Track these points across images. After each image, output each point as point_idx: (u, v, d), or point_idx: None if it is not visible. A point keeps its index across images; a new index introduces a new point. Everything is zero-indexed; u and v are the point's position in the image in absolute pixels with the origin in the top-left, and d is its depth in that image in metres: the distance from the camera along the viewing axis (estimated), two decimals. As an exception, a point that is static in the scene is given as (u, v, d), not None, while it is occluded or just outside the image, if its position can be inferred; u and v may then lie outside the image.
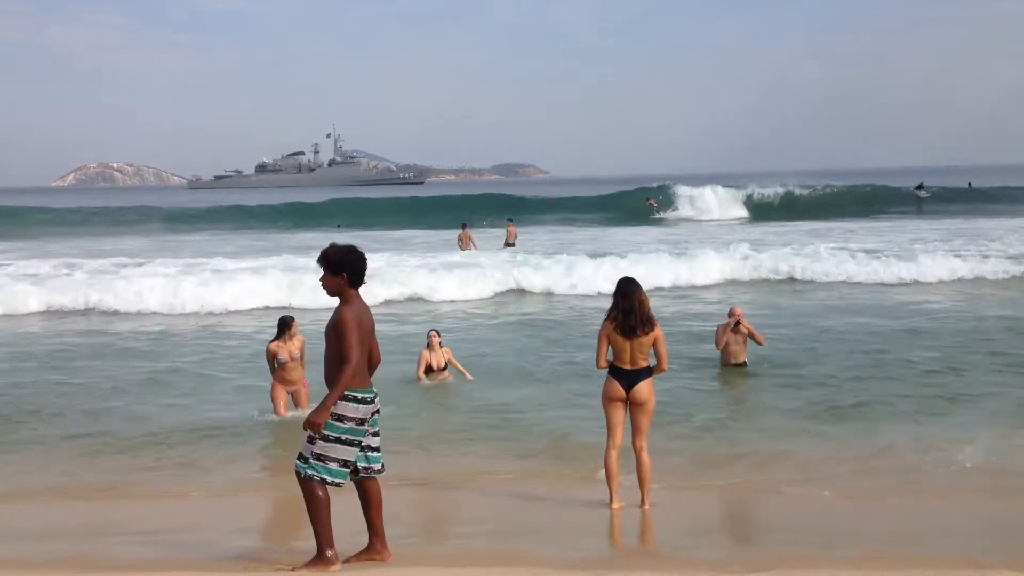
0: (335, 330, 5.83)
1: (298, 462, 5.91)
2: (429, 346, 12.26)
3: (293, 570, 5.96)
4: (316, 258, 6.09)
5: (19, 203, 63.05)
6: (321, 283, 6.03)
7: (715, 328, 13.41)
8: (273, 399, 10.79)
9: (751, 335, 12.92)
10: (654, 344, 7.43)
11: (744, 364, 12.84)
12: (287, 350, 10.69)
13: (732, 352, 12.84)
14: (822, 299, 20.29)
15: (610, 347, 7.49)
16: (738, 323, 12.88)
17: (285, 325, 10.77)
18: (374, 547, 6.13)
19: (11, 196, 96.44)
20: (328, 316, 6.04)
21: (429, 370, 12.16)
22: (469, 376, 12.22)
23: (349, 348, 5.78)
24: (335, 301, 6.04)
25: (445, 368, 12.21)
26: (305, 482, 5.86)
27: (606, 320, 7.50)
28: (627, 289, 7.48)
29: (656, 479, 7.72)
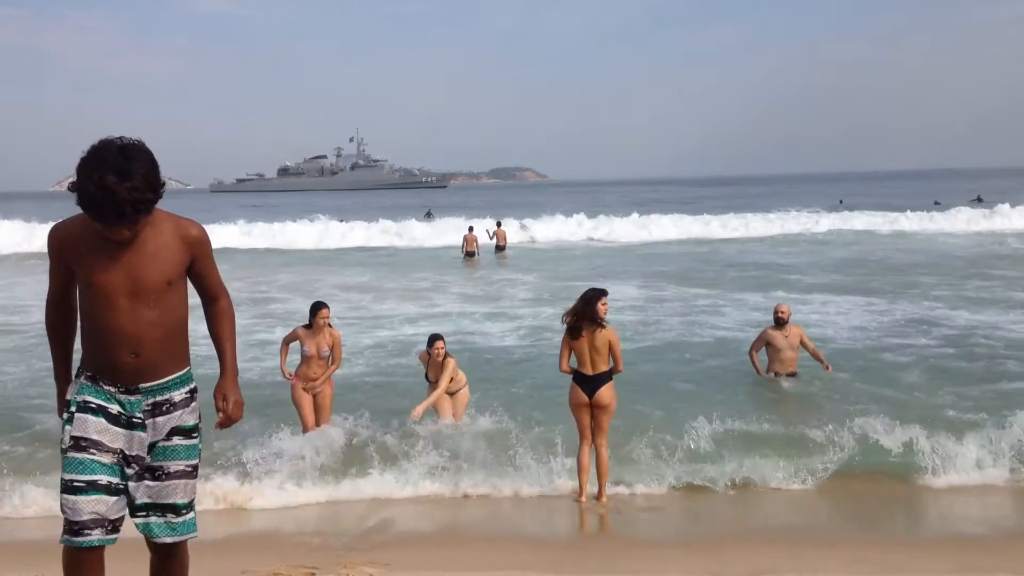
0: (206, 252, 3.62)
1: (189, 518, 3.69)
2: (430, 354, 9.77)
3: None
4: (87, 202, 3.23)
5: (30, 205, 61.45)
6: (127, 228, 3.30)
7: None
8: (296, 403, 9.34)
9: (803, 345, 10.84)
10: (610, 348, 7.76)
11: (794, 375, 10.89)
12: (315, 343, 9.21)
13: (778, 359, 10.84)
14: None
15: (573, 354, 7.87)
16: (782, 322, 10.83)
17: (314, 312, 9.19)
18: None
19: (10, 200, 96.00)
20: None
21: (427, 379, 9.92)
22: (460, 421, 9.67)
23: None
24: None
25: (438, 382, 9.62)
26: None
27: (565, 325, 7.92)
28: (587, 295, 7.83)
29: (651, 479, 8.11)
